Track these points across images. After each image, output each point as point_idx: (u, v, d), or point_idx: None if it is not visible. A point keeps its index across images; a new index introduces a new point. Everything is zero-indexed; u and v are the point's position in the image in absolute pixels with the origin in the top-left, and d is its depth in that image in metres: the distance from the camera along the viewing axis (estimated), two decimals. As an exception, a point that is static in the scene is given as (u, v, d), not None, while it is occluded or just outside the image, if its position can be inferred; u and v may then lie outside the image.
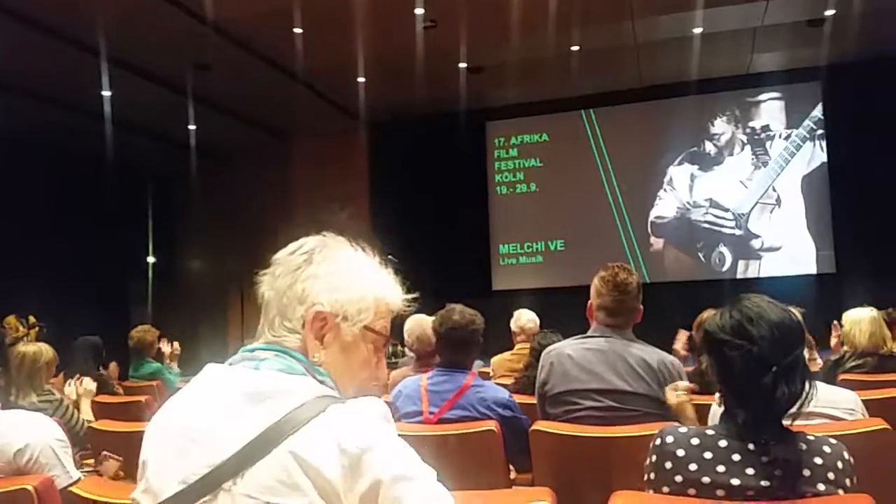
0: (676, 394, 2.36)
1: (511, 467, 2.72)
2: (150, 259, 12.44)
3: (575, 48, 8.75)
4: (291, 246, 1.18)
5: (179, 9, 7.15)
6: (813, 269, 10.20)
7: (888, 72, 9.19)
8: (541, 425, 2.46)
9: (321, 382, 1.08)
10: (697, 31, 8.46)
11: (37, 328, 6.90)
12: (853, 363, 3.91)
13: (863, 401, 2.63)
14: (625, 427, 2.26)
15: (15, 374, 3.59)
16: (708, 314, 2.70)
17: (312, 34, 7.84)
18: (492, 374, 4.86)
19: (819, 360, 4.26)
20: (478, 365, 6.14)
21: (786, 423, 1.48)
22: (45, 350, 3.83)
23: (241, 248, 11.08)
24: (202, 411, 1.04)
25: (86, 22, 7.07)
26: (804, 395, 1.44)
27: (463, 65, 9.10)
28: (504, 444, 2.52)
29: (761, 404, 1.43)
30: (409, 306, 1.24)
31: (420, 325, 3.77)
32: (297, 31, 7.76)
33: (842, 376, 3.75)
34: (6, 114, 8.26)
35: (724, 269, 10.55)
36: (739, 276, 10.47)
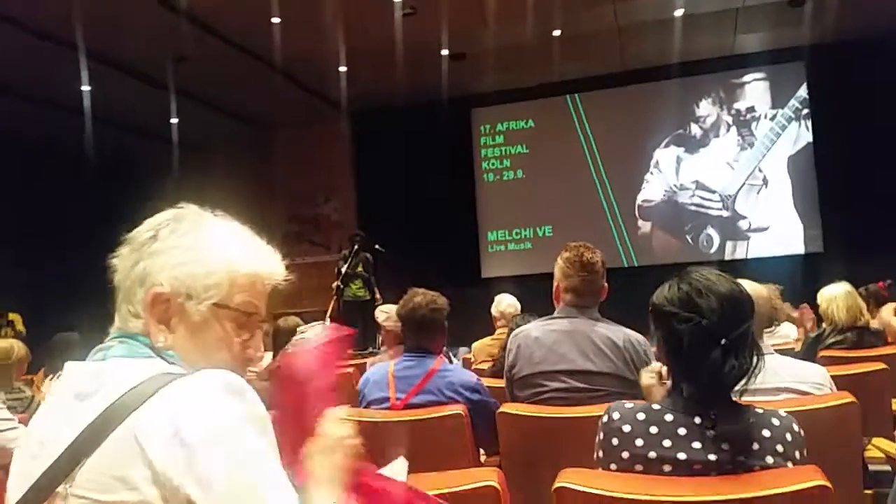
0: (648, 375, 2.31)
1: (481, 451, 2.70)
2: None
3: (557, 33, 8.70)
4: (147, 222, 1.06)
5: (156, 0, 7.07)
6: (801, 249, 10.19)
7: (870, 52, 9.14)
8: (507, 407, 2.44)
9: (171, 364, 0.98)
10: (679, 13, 8.40)
11: (6, 323, 6.85)
12: (833, 339, 3.93)
13: (840, 376, 2.61)
14: (588, 407, 2.24)
15: (-15, 370, 3.55)
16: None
17: (291, 23, 7.75)
18: (473, 359, 4.85)
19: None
20: (463, 351, 6.15)
21: (735, 398, 1.45)
22: (18, 346, 3.78)
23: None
24: (48, 415, 0.97)
25: (62, 16, 6.98)
26: (752, 368, 1.42)
27: (445, 52, 9.02)
28: (472, 427, 2.49)
29: (709, 378, 1.40)
30: (287, 278, 1.10)
31: (392, 314, 3.79)
32: (276, 20, 7.68)
33: (822, 352, 3.76)
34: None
35: (712, 250, 10.53)
36: (727, 257, 10.44)
